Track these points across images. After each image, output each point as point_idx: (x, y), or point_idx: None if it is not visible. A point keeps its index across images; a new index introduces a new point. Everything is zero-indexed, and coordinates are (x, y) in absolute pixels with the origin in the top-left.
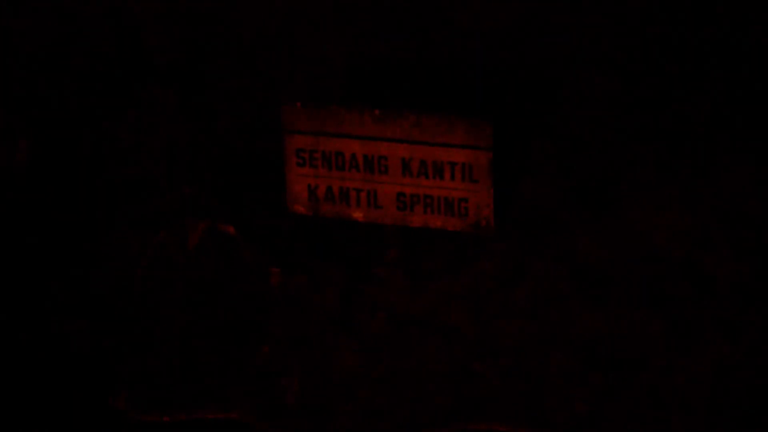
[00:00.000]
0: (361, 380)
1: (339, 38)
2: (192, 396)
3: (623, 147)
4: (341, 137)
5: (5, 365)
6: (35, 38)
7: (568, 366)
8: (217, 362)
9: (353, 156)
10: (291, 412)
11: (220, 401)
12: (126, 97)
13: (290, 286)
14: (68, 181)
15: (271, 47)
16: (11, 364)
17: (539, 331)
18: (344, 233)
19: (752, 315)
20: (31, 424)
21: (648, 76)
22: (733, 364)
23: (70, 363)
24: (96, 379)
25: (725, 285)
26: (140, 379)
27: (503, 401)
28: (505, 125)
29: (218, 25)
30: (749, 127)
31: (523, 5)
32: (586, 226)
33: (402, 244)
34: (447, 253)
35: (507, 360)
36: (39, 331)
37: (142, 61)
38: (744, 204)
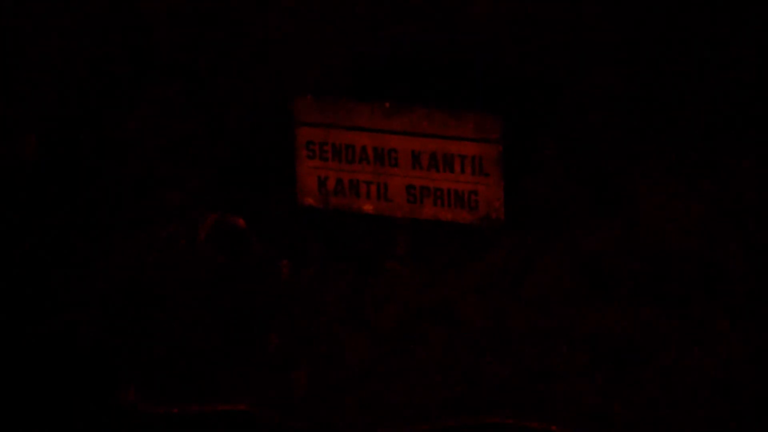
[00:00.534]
0: (371, 373)
1: (349, 32)
2: (201, 388)
3: (632, 141)
4: (352, 130)
5: (11, 360)
6: (42, 33)
7: (577, 360)
8: (226, 355)
9: (363, 149)
10: (300, 404)
11: (229, 393)
12: (135, 91)
13: (300, 278)
14: (76, 176)
15: (280, 41)
16: (17, 359)
17: (548, 324)
18: (354, 226)
19: (762, 309)
20: (38, 418)
21: (655, 70)
22: (742, 358)
23: (78, 357)
24: (105, 373)
25: (734, 279)
26: (149, 372)
27: (512, 394)
28: (514, 119)
29: (227, 19)
30: (757, 120)
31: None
32: (595, 220)
33: (412, 237)
34: (457, 246)
35: (516, 353)
36: (45, 326)
37: (150, 56)
38: (753, 198)
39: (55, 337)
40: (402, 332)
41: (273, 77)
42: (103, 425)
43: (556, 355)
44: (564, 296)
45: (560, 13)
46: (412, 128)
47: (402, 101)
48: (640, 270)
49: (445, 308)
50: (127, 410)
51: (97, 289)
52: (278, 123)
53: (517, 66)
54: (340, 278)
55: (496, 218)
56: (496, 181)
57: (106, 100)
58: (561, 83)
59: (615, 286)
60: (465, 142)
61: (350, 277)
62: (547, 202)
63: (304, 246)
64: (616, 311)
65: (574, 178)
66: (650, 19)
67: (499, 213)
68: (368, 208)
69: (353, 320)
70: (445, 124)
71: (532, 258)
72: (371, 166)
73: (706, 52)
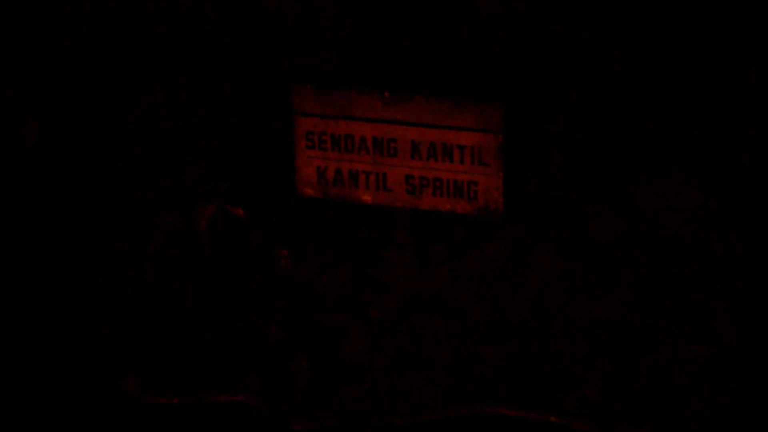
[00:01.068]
0: (370, 364)
1: (348, 21)
2: (200, 379)
3: (633, 130)
4: (351, 120)
5: (12, 349)
6: (47, 20)
7: (577, 350)
8: (225, 346)
9: (363, 138)
10: (299, 395)
11: (228, 384)
12: (137, 80)
13: (299, 269)
14: (78, 164)
15: (280, 31)
16: (18, 348)
17: (548, 315)
18: (353, 216)
19: (764, 299)
20: (38, 408)
21: (658, 58)
22: (743, 348)
23: (79, 346)
24: (105, 363)
25: (736, 268)
26: (149, 363)
27: (512, 385)
28: (515, 109)
29: (228, 9)
30: (761, 109)
31: None
32: (596, 210)
33: (411, 227)
34: (456, 236)
35: (516, 344)
36: (46, 315)
37: (153, 46)
38: (755, 186)
39: (55, 326)
40: (401, 322)
41: (273, 67)
42: (103, 415)
43: (556, 346)
44: (564, 286)
45: (561, 2)
46: (412, 118)
47: (402, 91)
48: (641, 260)
49: (445, 298)
50: (127, 400)
51: (98, 279)
52: (278, 113)
53: (519, 55)
54: (339, 268)
55: (495, 208)
56: (496, 171)
57: (108, 89)
58: (563, 73)
59: (615, 277)
60: (465, 131)
61: (349, 267)
62: (548, 191)
63: (303, 236)
64: (616, 301)
65: (575, 167)
66: (654, 12)
67: (498, 203)
68: (367, 198)
69: (352, 310)
70: (445, 113)
71: (532, 248)
72: (370, 156)
73: (711, 43)
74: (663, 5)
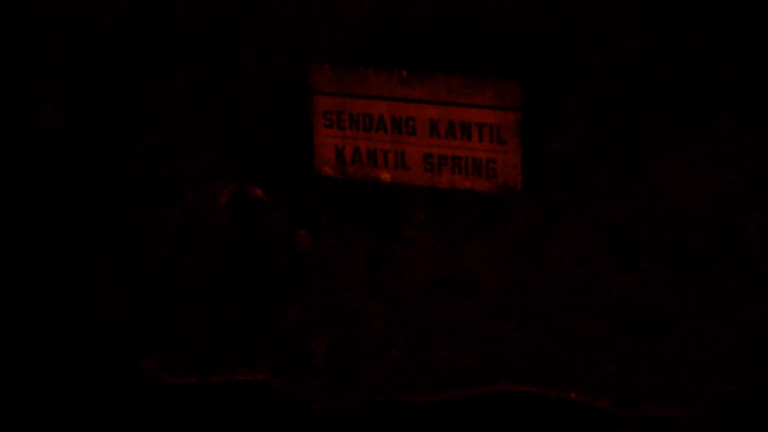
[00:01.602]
0: (390, 342)
1: (366, 1)
2: (220, 358)
3: (651, 107)
4: (369, 98)
5: (30, 330)
6: (61, 2)
7: (597, 327)
8: (244, 325)
9: (381, 117)
10: (318, 374)
11: (248, 363)
12: (154, 61)
13: (318, 248)
14: (95, 145)
15: (298, 11)
16: (37, 329)
17: (567, 292)
18: (372, 195)
19: None
20: (59, 388)
21: (678, 35)
22: (763, 324)
23: (99, 326)
24: (125, 343)
25: (755, 245)
26: (169, 342)
27: (531, 363)
28: (533, 86)
29: None
30: None
31: None
32: (614, 187)
33: (430, 206)
34: (475, 214)
35: (535, 322)
36: (65, 295)
37: (169, 26)
38: None
39: (75, 306)
40: (421, 301)
41: (291, 46)
42: (124, 394)
43: (576, 323)
44: (583, 264)
45: None
46: (430, 96)
47: (420, 69)
48: (660, 238)
49: (464, 276)
50: (147, 380)
51: (117, 258)
52: (296, 92)
53: (536, 32)
54: (358, 247)
55: (513, 186)
56: (514, 149)
57: (125, 70)
58: (582, 50)
59: (635, 254)
60: (483, 109)
61: (368, 246)
62: (566, 169)
63: (321, 215)
64: (635, 279)
65: (593, 144)
66: None
67: (516, 181)
68: (386, 176)
69: (371, 289)
70: (463, 91)
71: (551, 226)
72: (389, 135)
73: (728, 20)
74: None
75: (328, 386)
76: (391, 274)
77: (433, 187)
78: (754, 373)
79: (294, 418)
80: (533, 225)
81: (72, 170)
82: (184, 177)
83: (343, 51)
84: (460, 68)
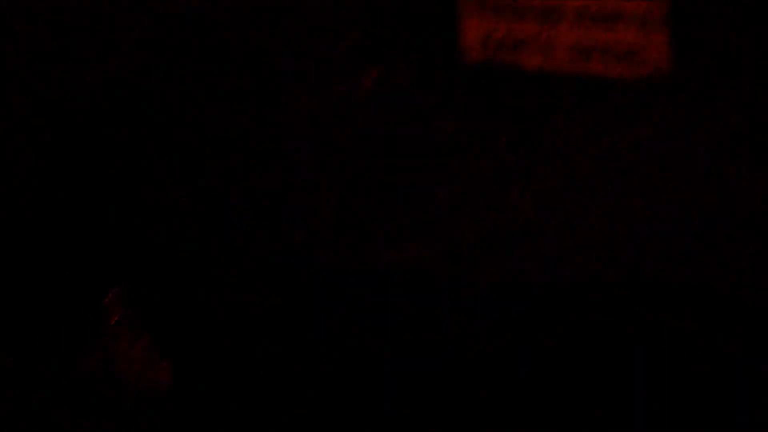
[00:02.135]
0: (534, 228)
1: None
2: (369, 238)
3: None
4: None
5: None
6: None
7: (740, 231)
8: (393, 206)
9: (529, 4)
10: (464, 256)
11: (395, 244)
12: None
13: (462, 134)
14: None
15: None
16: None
17: (713, 187)
18: (518, 82)
19: None
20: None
21: None
22: None
23: (256, 202)
24: (279, 219)
25: None
26: (318, 221)
27: (678, 252)
28: None
29: None
30: None
31: None
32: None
33: (576, 94)
34: (621, 103)
35: (678, 214)
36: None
37: None
38: None
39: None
40: (565, 188)
41: None
42: (274, 271)
43: (716, 222)
44: (731, 157)
45: None
46: None
47: None
48: None
49: (610, 164)
50: (297, 258)
51: (267, 144)
52: None
53: None
54: (502, 135)
55: (661, 75)
56: (663, 37)
57: None
58: None
59: None
60: None
61: (513, 134)
62: (716, 57)
63: (466, 102)
64: None
65: (747, 29)
66: None
67: (665, 69)
68: (533, 64)
69: (515, 178)
70: None
71: (699, 116)
72: (536, 22)
73: None
74: None
75: (472, 267)
76: (536, 160)
77: (581, 75)
78: None
79: (442, 299)
80: (680, 115)
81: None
82: (327, 63)
83: None
84: None
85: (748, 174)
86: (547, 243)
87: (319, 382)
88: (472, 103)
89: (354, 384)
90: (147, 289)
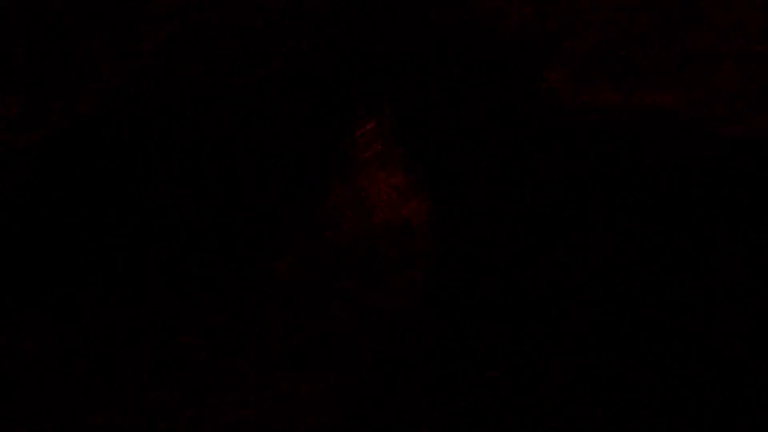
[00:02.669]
0: None
1: None
2: (626, 80)
3: None
4: None
5: None
6: None
7: None
8: (659, 45)
9: None
10: (726, 105)
11: (653, 87)
12: None
13: None
14: None
15: None
16: None
17: None
18: None
19: None
20: None
21: None
22: None
23: (507, 42)
24: (536, 56)
25: None
26: (575, 59)
27: None
28: None
29: None
30: None
31: None
32: None
33: None
34: None
35: None
36: None
37: None
38: None
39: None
40: None
41: None
42: (526, 109)
43: None
44: None
45: None
46: None
47: None
48: None
49: None
50: (550, 95)
51: None
52: None
53: None
54: None
55: None
56: None
57: None
58: None
59: None
60: None
61: None
62: None
63: None
64: None
65: None
66: None
67: None
68: None
69: None
70: None
71: None
72: None
73: None
74: None
75: (737, 111)
76: None
77: None
78: None
79: (699, 144)
80: None
81: None
82: None
83: None
84: None
85: None
86: None
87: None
88: None
89: None
90: (404, 123)
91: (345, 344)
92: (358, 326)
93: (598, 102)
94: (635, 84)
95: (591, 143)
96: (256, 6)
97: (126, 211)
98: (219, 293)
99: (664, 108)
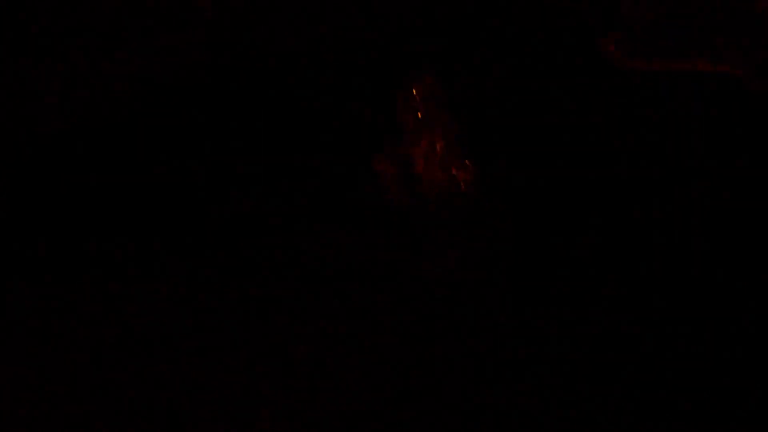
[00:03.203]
0: None
1: None
2: (685, 48)
3: None
4: None
5: None
6: None
7: None
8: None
9: None
10: None
11: (711, 55)
12: None
13: None
14: None
15: None
16: None
17: None
18: None
19: None
20: None
21: None
22: None
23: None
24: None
25: None
26: (635, 25)
27: None
28: None
29: None
30: None
31: None
32: None
33: None
34: None
35: None
36: None
37: None
38: None
39: None
40: None
41: None
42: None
43: None
44: None
45: None
46: None
47: None
48: None
49: None
50: (605, 61)
51: None
52: None
53: None
54: None
55: None
56: None
57: None
58: None
59: None
60: None
61: None
62: None
63: None
64: None
65: None
66: None
67: None
68: None
69: None
70: None
71: None
72: None
73: None
74: None
75: None
76: None
77: None
78: None
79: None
80: None
81: None
82: None
83: None
84: None
85: None
86: None
87: None
88: None
89: None
90: (449, 87)
91: (389, 315)
92: (405, 295)
93: (654, 68)
94: (693, 54)
95: (644, 108)
96: None
97: (126, 210)
98: (246, 274)
99: (727, 75)
